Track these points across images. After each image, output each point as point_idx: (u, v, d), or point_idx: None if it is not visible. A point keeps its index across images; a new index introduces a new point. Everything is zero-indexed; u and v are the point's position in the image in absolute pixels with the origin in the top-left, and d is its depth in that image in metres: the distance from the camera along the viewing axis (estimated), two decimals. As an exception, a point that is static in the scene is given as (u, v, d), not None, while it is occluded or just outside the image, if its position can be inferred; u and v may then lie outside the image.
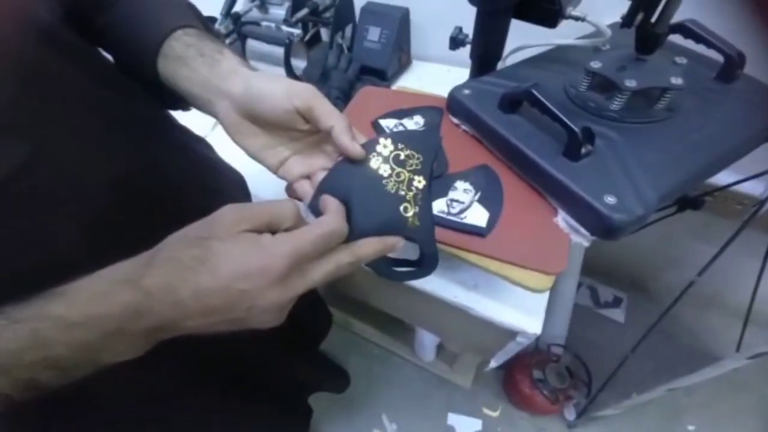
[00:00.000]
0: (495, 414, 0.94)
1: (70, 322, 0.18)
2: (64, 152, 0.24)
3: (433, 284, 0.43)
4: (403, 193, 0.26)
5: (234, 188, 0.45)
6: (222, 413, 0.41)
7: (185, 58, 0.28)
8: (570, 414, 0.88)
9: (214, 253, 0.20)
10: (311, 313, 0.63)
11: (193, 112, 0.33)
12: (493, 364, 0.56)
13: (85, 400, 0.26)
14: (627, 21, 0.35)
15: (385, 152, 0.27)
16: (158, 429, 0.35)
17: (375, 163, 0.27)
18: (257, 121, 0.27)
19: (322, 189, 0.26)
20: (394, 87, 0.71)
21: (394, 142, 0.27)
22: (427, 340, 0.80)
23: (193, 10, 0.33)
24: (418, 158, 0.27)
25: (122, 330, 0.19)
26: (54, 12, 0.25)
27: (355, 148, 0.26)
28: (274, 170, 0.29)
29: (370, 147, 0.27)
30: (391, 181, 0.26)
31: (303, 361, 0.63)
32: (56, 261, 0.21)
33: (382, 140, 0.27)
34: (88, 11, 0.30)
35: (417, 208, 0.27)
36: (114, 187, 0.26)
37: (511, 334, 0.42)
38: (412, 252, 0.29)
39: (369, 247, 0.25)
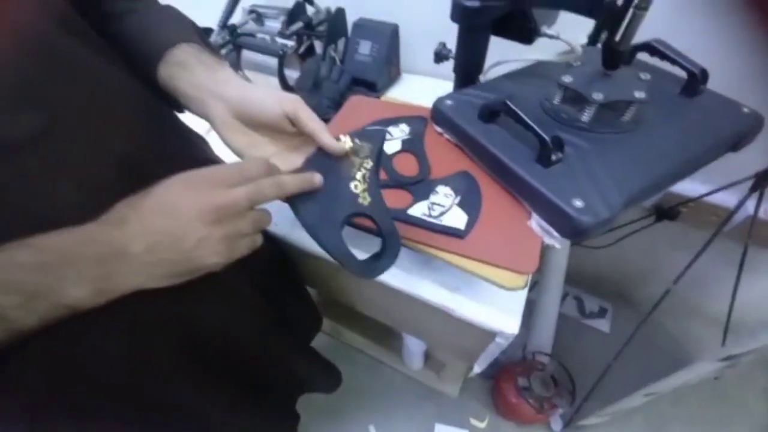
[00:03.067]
0: (482, 425, 0.93)
1: (37, 248, 0.21)
2: (78, 126, 0.26)
3: (415, 286, 0.44)
4: (353, 173, 0.32)
5: None
6: (213, 404, 0.41)
7: (185, 63, 0.31)
8: (556, 424, 0.88)
9: (155, 189, 0.25)
10: (299, 308, 0.64)
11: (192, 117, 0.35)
12: (477, 369, 0.57)
13: (74, 384, 0.27)
14: (592, 39, 0.37)
15: (345, 146, 0.32)
16: (146, 414, 0.35)
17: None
18: (248, 122, 0.31)
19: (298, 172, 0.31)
20: (383, 98, 0.74)
21: (351, 138, 0.33)
22: (415, 348, 0.80)
23: (196, 28, 0.36)
24: (369, 148, 0.33)
25: (79, 255, 0.22)
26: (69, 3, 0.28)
27: (334, 144, 0.30)
28: None
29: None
30: (345, 165, 0.32)
31: (296, 353, 0.64)
32: (52, 227, 0.22)
33: (341, 136, 0.33)
34: (100, 20, 0.32)
35: (366, 185, 0.32)
36: (120, 164, 0.28)
37: (490, 334, 0.43)
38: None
39: (290, 178, 0.28)
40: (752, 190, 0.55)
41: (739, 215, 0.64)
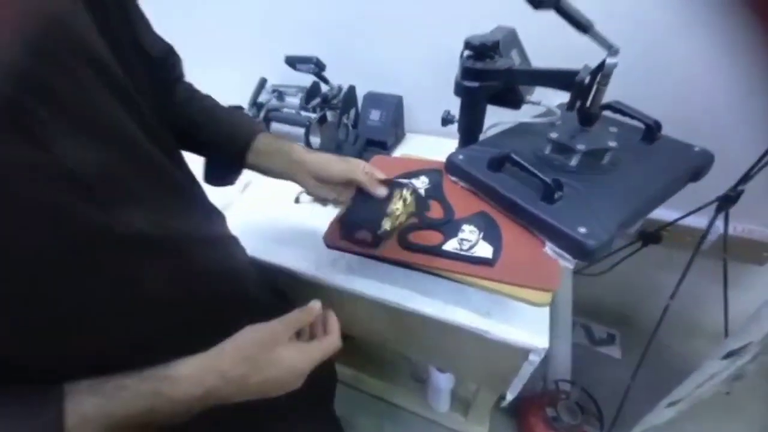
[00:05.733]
0: (514, 466, 0.91)
1: (173, 400, 0.28)
2: (151, 216, 0.31)
3: (451, 314, 0.50)
4: (389, 212, 0.47)
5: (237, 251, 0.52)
6: None
7: (269, 151, 0.45)
8: (588, 457, 0.88)
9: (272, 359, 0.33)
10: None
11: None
12: (509, 396, 0.60)
13: None
14: (570, 106, 0.49)
15: (404, 195, 0.48)
16: None
17: (396, 195, 0.48)
18: (321, 180, 0.44)
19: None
20: (394, 155, 0.85)
21: (412, 195, 0.50)
22: (442, 384, 0.81)
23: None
24: (413, 208, 0.50)
25: (201, 399, 0.29)
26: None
27: (380, 191, 0.48)
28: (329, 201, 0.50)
29: (397, 185, 0.49)
30: (390, 205, 0.47)
31: (316, 421, 0.65)
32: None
33: (405, 191, 0.49)
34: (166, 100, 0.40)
35: (389, 225, 0.47)
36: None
37: (524, 353, 0.48)
38: None
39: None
40: (717, 211, 0.65)
41: (713, 234, 0.74)
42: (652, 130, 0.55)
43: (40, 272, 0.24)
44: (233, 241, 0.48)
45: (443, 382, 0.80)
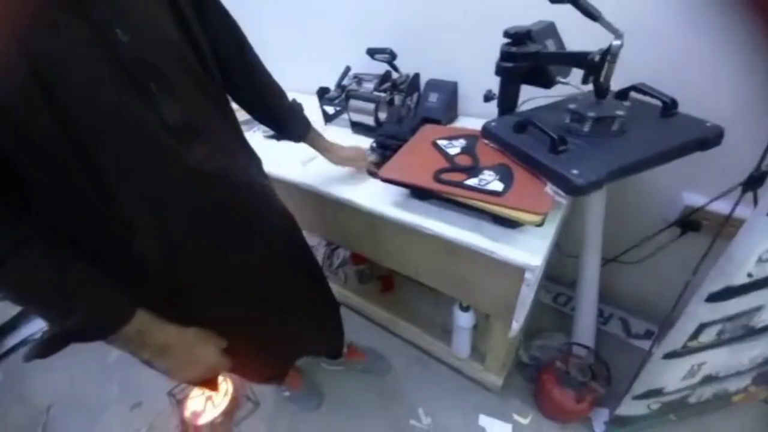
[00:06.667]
0: (525, 421, 0.99)
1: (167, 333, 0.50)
2: (220, 152, 0.53)
3: (467, 238, 0.65)
4: None
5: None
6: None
7: (316, 143, 0.75)
8: (599, 426, 0.92)
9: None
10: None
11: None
12: (515, 325, 0.72)
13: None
14: (584, 80, 0.61)
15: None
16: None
17: None
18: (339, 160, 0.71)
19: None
20: (445, 131, 1.01)
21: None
22: (463, 323, 0.95)
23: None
24: None
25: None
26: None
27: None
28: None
29: None
30: None
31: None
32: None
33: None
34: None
35: None
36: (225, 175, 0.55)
37: (521, 271, 0.61)
38: None
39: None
40: (743, 192, 0.68)
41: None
42: (668, 106, 0.63)
43: (146, 187, 0.45)
44: (269, 190, 0.68)
45: (464, 320, 0.93)
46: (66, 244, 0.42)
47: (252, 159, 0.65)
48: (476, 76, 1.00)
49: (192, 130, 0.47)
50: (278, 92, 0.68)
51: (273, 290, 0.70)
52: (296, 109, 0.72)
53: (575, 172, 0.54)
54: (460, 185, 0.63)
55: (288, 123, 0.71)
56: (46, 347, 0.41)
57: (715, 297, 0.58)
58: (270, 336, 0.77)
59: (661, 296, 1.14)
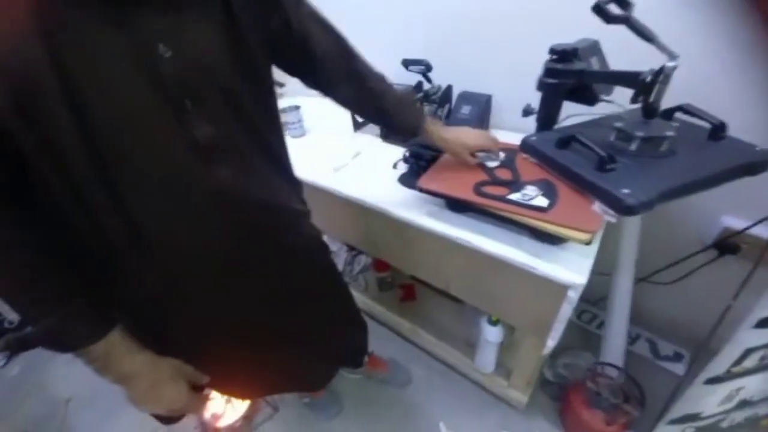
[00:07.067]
0: (549, 441, 0.97)
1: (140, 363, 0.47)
2: (244, 174, 0.49)
3: (507, 252, 0.65)
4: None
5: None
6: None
7: (431, 132, 0.68)
8: (628, 452, 0.90)
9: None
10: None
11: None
12: (551, 342, 0.71)
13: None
14: (633, 100, 0.60)
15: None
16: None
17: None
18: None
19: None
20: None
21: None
22: (491, 337, 0.94)
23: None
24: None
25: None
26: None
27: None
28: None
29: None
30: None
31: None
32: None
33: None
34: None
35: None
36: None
37: (563, 289, 0.60)
38: None
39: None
40: None
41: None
42: (717, 129, 0.63)
43: (161, 204, 0.43)
44: (302, 216, 0.64)
45: (492, 335, 0.92)
46: (56, 248, 0.42)
47: (287, 183, 0.60)
48: (511, 90, 1.01)
49: (220, 151, 0.45)
50: (380, 79, 0.67)
51: (286, 322, 0.66)
52: (405, 100, 0.68)
53: (626, 191, 0.54)
54: (503, 200, 0.63)
55: (397, 116, 0.66)
56: (10, 346, 0.42)
57: (765, 323, 0.56)
58: (278, 367, 0.74)
59: (693, 318, 1.11)
